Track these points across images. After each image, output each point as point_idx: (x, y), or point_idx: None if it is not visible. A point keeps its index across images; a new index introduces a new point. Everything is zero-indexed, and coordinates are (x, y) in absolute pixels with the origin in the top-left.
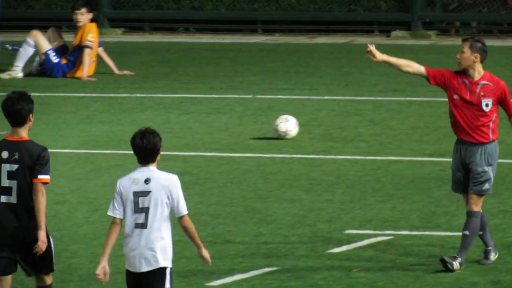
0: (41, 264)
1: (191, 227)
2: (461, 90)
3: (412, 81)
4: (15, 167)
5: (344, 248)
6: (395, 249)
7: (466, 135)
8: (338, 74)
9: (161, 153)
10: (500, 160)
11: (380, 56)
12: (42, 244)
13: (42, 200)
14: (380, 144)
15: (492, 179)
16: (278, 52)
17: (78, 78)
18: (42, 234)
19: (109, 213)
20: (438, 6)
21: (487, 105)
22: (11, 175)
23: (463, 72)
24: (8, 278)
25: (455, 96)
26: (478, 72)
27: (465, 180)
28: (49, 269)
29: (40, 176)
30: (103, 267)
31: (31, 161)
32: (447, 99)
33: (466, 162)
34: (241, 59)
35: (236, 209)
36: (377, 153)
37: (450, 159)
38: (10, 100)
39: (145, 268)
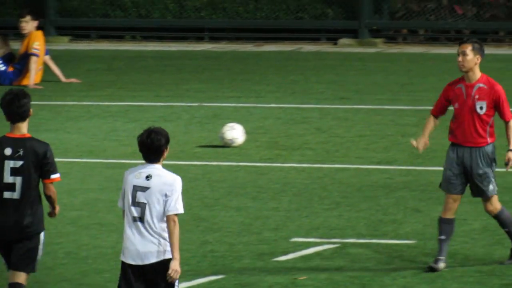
0: (25, 262)
1: (177, 232)
2: (458, 98)
3: (358, 89)
4: (19, 163)
5: (290, 256)
6: (342, 257)
7: (465, 140)
8: (284, 82)
9: (109, 160)
10: None
11: (422, 143)
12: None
13: (54, 197)
14: (327, 152)
15: (493, 179)
16: (225, 60)
17: (25, 86)
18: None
19: (119, 205)
20: (385, 14)
21: (481, 108)
22: (15, 171)
23: (460, 78)
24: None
25: (456, 106)
26: (476, 74)
27: (459, 180)
28: (30, 269)
29: (53, 176)
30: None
31: (36, 158)
32: (393, 107)
33: (464, 164)
34: (188, 67)
35: (182, 217)
36: (324, 161)
37: (397, 167)
38: (10, 95)
39: (149, 260)
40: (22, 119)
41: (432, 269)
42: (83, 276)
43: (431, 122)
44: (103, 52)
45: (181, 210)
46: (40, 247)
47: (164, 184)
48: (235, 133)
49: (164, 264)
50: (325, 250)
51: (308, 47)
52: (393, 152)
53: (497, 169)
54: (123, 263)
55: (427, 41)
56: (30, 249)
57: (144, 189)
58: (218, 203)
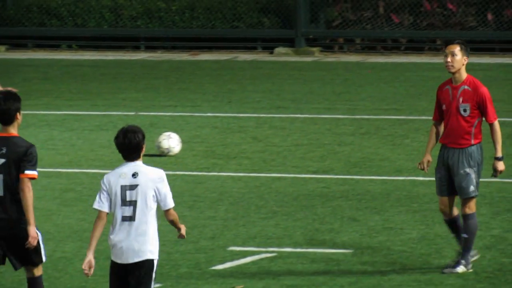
0: (30, 256)
1: (176, 218)
2: (445, 99)
3: (295, 98)
4: (1, 161)
5: (227, 265)
6: (279, 266)
7: (450, 141)
8: (221, 91)
9: (46, 169)
10: (384, 177)
11: (426, 162)
12: (33, 240)
13: (29, 196)
14: (264, 161)
15: (475, 181)
16: (161, 69)
17: None
18: (32, 230)
19: (95, 206)
20: (321, 23)
21: (464, 110)
22: None
23: (448, 79)
24: None
25: (443, 107)
26: (462, 76)
27: (445, 182)
28: (38, 261)
29: (27, 172)
30: (89, 261)
31: (17, 156)
32: (330, 116)
33: (448, 165)
34: (124, 76)
35: None
36: (261, 170)
37: (334, 176)
38: None
39: (132, 259)
40: (6, 123)
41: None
42: (19, 285)
43: (433, 133)
44: (39, 61)
45: (172, 203)
46: (40, 238)
47: (152, 179)
48: (172, 142)
49: (144, 264)
50: (262, 259)
51: (244, 56)
52: (329, 161)
53: (491, 179)
54: (112, 262)
55: (364, 50)
56: (27, 244)
57: (133, 187)
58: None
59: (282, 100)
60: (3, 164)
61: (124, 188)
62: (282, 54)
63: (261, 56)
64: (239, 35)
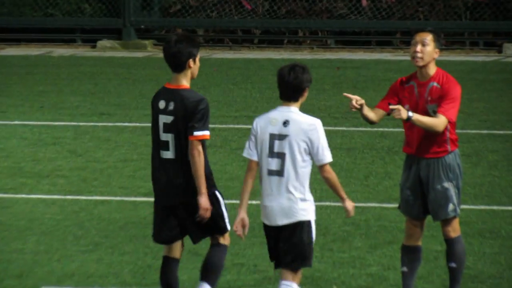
0: (210, 226)
1: (333, 177)
2: (409, 98)
3: (123, 103)
4: (170, 119)
5: None
6: None
7: (421, 149)
8: (31, 94)
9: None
10: (233, 201)
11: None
12: (204, 212)
13: (198, 160)
14: (84, 180)
15: (456, 198)
16: None
17: None
18: (203, 200)
19: (244, 154)
20: (155, 10)
21: (434, 112)
22: (166, 127)
23: (412, 74)
24: (175, 246)
25: (407, 108)
26: (431, 70)
27: (415, 200)
28: (221, 229)
29: (196, 133)
30: (241, 219)
31: (186, 112)
32: None
33: (420, 178)
34: None
35: None
36: (80, 191)
37: None
38: (169, 42)
39: (282, 221)
40: (175, 69)
41: None
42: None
43: (371, 111)
44: None
45: (330, 158)
46: (221, 203)
47: (304, 129)
48: None
49: (297, 227)
50: None
51: (60, 51)
52: None
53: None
54: (263, 223)
55: (208, 43)
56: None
57: (282, 137)
58: None
59: (106, 105)
60: (172, 122)
61: (272, 137)
62: (107, 48)
63: (81, 51)
64: (54, 25)
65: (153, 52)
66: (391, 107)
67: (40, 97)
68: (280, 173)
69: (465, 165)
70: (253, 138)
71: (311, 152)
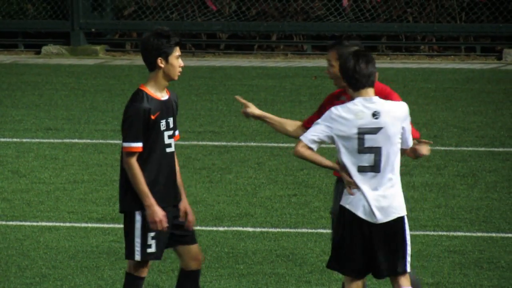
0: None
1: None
2: None
3: (72, 116)
4: None
5: None
6: None
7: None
8: None
9: None
10: (198, 228)
11: (257, 111)
12: (152, 226)
13: (129, 174)
14: (28, 204)
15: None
16: None
17: None
18: (147, 214)
19: (305, 141)
20: (108, 11)
21: None
22: None
23: (343, 89)
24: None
25: None
26: None
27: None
28: (126, 254)
29: (123, 144)
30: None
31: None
32: (120, 142)
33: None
34: None
35: None
36: (24, 217)
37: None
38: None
39: (382, 219)
40: (147, 66)
41: None
42: None
43: (286, 122)
44: None
45: (411, 140)
46: (136, 230)
47: (398, 117)
48: None
49: (395, 224)
50: None
51: (0, 57)
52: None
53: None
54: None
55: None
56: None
57: (376, 130)
58: None
59: (53, 119)
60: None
61: (362, 132)
62: (53, 55)
63: (24, 57)
64: None
65: (105, 59)
66: None
67: None
68: (375, 168)
69: (460, 187)
70: (326, 125)
71: (402, 138)
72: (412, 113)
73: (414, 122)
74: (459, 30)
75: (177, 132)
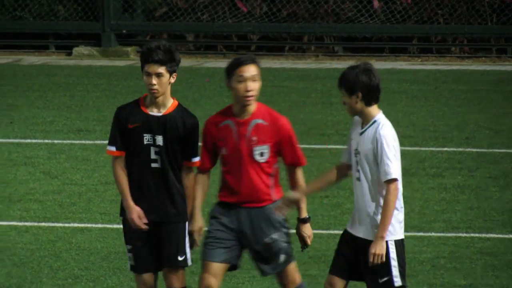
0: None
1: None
2: (226, 140)
3: (103, 118)
4: None
5: None
6: None
7: (242, 198)
8: None
9: None
10: None
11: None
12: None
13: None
14: (60, 205)
15: (288, 244)
16: None
17: None
18: None
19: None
20: (139, 13)
21: (261, 155)
22: None
23: (225, 109)
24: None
25: (223, 151)
26: (252, 107)
27: (234, 251)
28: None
29: None
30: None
31: None
32: None
33: (244, 235)
34: None
35: None
36: (56, 218)
37: None
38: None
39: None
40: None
41: None
42: None
43: (200, 189)
44: None
45: (391, 174)
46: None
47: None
48: None
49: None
50: None
51: (31, 59)
52: None
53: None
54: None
55: (198, 50)
56: None
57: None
58: None
59: (84, 121)
60: None
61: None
62: (84, 56)
63: (55, 59)
64: (23, 30)
65: (136, 60)
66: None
67: (9, 111)
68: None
69: (492, 189)
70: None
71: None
72: (443, 115)
73: (445, 124)
74: (490, 31)
75: (196, 159)
